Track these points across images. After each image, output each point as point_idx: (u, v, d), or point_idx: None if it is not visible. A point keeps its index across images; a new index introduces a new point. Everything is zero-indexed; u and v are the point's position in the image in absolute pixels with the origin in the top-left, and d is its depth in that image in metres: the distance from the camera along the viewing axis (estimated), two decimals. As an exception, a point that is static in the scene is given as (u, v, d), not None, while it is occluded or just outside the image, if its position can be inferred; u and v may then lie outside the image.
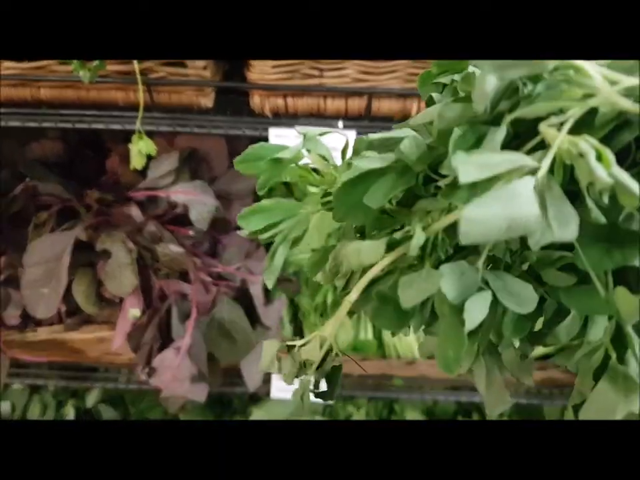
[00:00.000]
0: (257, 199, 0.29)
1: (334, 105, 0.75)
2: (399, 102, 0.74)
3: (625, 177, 0.16)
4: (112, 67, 0.71)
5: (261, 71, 0.72)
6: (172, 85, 0.73)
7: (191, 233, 0.87)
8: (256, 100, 0.75)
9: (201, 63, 0.71)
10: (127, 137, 0.74)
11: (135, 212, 0.83)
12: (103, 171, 0.96)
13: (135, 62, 0.65)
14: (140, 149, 0.66)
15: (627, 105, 0.17)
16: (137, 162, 0.67)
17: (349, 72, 0.72)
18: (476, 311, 0.17)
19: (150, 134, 0.74)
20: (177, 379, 0.78)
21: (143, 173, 0.88)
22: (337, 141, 0.27)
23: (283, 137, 0.76)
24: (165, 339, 0.82)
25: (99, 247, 0.77)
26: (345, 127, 0.77)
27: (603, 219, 0.18)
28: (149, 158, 0.72)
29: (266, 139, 0.76)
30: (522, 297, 0.18)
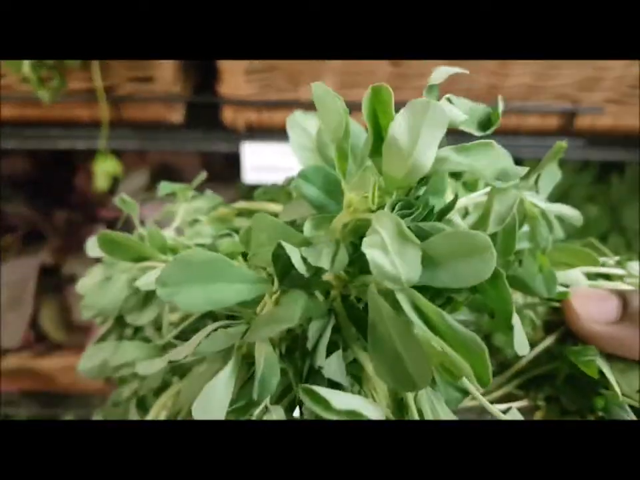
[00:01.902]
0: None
1: (309, 119, 0.73)
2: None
3: None
4: (76, 84, 0.68)
5: (233, 85, 0.69)
6: (140, 100, 0.70)
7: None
8: (228, 114, 0.73)
9: (169, 78, 0.68)
10: (95, 153, 0.70)
11: (104, 233, 0.79)
12: (71, 189, 0.93)
13: (99, 78, 0.62)
14: (105, 169, 0.63)
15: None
16: (101, 183, 0.64)
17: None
18: None
19: (118, 151, 0.71)
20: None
21: (113, 190, 0.85)
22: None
23: (257, 153, 0.74)
24: (138, 365, 0.79)
25: (65, 270, 0.74)
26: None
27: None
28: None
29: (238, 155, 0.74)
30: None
